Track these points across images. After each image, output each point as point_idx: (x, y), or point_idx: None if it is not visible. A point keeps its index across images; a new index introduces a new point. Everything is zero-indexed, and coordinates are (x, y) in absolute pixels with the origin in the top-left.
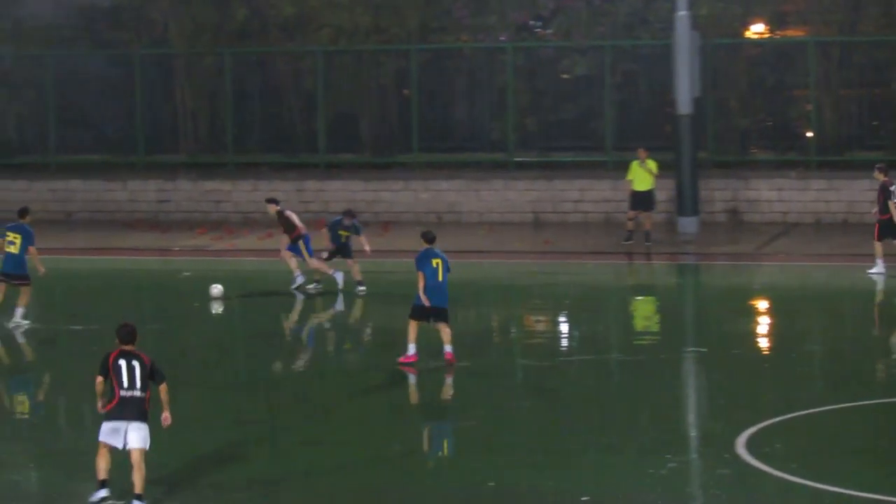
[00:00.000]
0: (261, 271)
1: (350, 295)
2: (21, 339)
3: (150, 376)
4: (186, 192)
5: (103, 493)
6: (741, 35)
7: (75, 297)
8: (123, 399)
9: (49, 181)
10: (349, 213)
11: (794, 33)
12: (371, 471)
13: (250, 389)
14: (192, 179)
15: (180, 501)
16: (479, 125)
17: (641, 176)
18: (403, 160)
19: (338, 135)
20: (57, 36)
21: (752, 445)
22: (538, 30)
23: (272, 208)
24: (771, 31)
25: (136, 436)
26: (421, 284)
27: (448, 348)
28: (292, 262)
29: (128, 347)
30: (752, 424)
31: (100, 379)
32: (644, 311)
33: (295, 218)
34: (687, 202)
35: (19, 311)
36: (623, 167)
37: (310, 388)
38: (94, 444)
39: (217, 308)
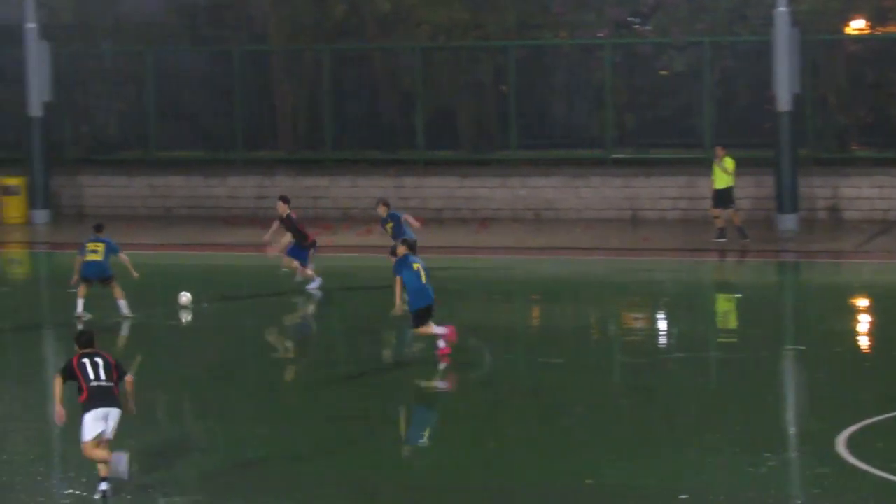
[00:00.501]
0: (359, 267)
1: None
2: (123, 333)
3: (116, 371)
4: (285, 189)
5: (123, 461)
6: (841, 31)
7: (173, 293)
8: (92, 389)
9: (149, 177)
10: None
11: (895, 29)
12: (468, 468)
13: (348, 385)
14: (291, 175)
15: (284, 498)
16: (577, 122)
17: (718, 174)
18: (501, 157)
19: (436, 131)
20: (157, 33)
21: (852, 444)
22: (636, 26)
23: (282, 207)
24: (872, 27)
25: (113, 424)
26: (398, 289)
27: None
28: (294, 263)
29: (88, 350)
30: (853, 423)
31: (59, 379)
32: (742, 309)
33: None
34: (786, 199)
35: (122, 303)
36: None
37: (405, 384)
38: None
39: (186, 316)
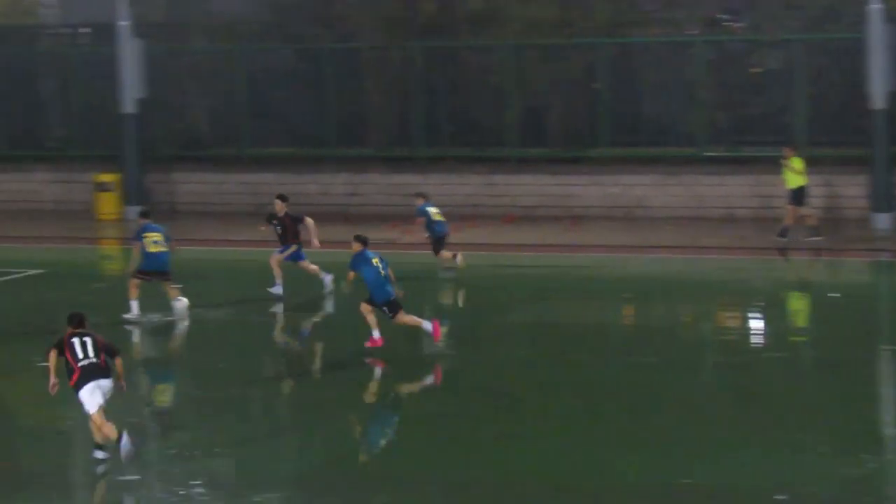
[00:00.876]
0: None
1: (539, 290)
2: (211, 329)
3: (105, 351)
4: (376, 186)
5: (125, 440)
6: None
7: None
8: (83, 367)
9: (241, 174)
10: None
11: None
12: (563, 467)
13: (444, 383)
14: (382, 172)
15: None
16: (669, 119)
17: (789, 174)
18: (593, 154)
19: (526, 128)
20: (248, 30)
21: None
22: (728, 23)
23: (280, 206)
24: None
25: (107, 396)
26: (351, 276)
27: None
28: (311, 267)
29: (79, 329)
30: None
31: (53, 352)
32: (836, 308)
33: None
34: (881, 198)
35: (180, 302)
36: (815, 162)
37: (498, 385)
38: (283, 429)
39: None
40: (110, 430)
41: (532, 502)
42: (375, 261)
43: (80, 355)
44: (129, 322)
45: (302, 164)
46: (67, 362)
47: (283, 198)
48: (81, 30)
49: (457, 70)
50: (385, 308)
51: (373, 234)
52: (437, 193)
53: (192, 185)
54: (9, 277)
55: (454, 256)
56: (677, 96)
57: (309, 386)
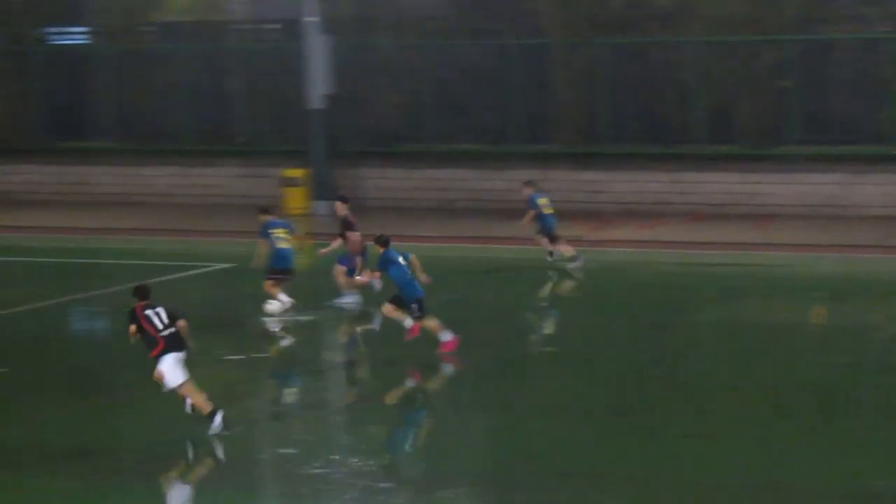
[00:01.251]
0: (637, 263)
1: (729, 290)
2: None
3: (175, 317)
4: (562, 183)
5: (218, 419)
6: None
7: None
8: (166, 338)
9: (428, 169)
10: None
11: None
12: (749, 466)
13: (633, 380)
14: (568, 169)
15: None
16: (860, 117)
17: None
18: (782, 152)
19: (714, 125)
20: (435, 26)
21: None
22: None
23: (340, 207)
24: None
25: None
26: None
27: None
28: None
29: (146, 301)
30: None
31: (133, 327)
32: None
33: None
34: None
35: (285, 298)
36: None
37: (685, 379)
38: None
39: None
40: (202, 399)
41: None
42: (402, 260)
43: (160, 326)
44: (271, 315)
45: (488, 160)
46: (146, 334)
47: (343, 199)
48: (269, 26)
49: (644, 66)
50: (415, 305)
51: (559, 231)
52: (623, 191)
53: (380, 180)
54: (199, 271)
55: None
56: (867, 93)
57: (488, 380)
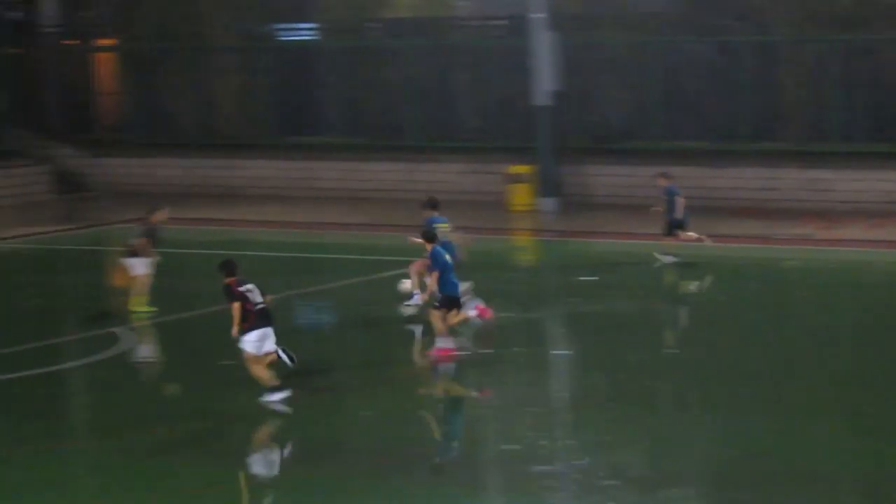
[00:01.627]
0: (867, 262)
1: None
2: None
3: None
4: (792, 181)
5: (279, 395)
6: None
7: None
8: (258, 312)
9: (653, 167)
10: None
11: None
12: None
13: (863, 379)
14: (797, 167)
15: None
16: None
17: None
18: None
19: None
20: (661, 23)
21: None
22: None
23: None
24: None
25: (273, 339)
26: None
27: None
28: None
29: (236, 277)
30: None
31: (236, 304)
32: None
33: None
34: None
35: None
36: None
37: None
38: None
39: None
40: (265, 373)
41: None
42: (447, 256)
43: (254, 300)
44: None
45: (714, 157)
46: (243, 308)
47: (432, 204)
48: (495, 22)
49: (873, 64)
50: (453, 301)
51: (787, 229)
52: (852, 190)
53: (605, 177)
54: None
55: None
56: None
57: (710, 383)
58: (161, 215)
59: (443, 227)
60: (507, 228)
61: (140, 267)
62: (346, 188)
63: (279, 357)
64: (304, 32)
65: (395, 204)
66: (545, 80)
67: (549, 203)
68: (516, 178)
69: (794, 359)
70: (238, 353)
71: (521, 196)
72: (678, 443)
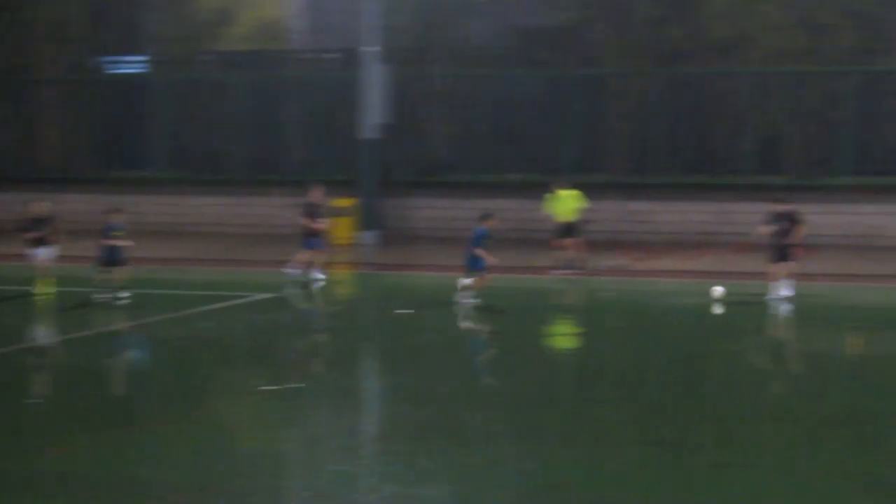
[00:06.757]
0: (679, 293)
1: (772, 318)
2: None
3: None
4: (610, 213)
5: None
6: None
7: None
8: None
9: (476, 200)
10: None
11: None
12: (783, 495)
13: (666, 409)
14: (617, 199)
15: None
16: None
17: None
18: (828, 182)
19: (762, 156)
20: (492, 57)
21: None
22: None
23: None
24: None
25: None
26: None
27: None
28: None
29: None
30: None
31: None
32: None
33: None
34: None
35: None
36: None
37: (722, 410)
38: None
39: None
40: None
41: None
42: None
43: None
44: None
45: (538, 190)
46: None
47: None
48: (328, 55)
49: (697, 97)
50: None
51: (605, 260)
52: (670, 221)
53: (429, 210)
54: (240, 301)
55: None
56: None
57: (519, 408)
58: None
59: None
60: (328, 262)
61: None
62: (169, 222)
63: None
64: (134, 65)
65: (218, 237)
66: (373, 113)
67: (369, 236)
68: (339, 212)
69: (601, 388)
70: None
71: (342, 229)
72: (482, 475)
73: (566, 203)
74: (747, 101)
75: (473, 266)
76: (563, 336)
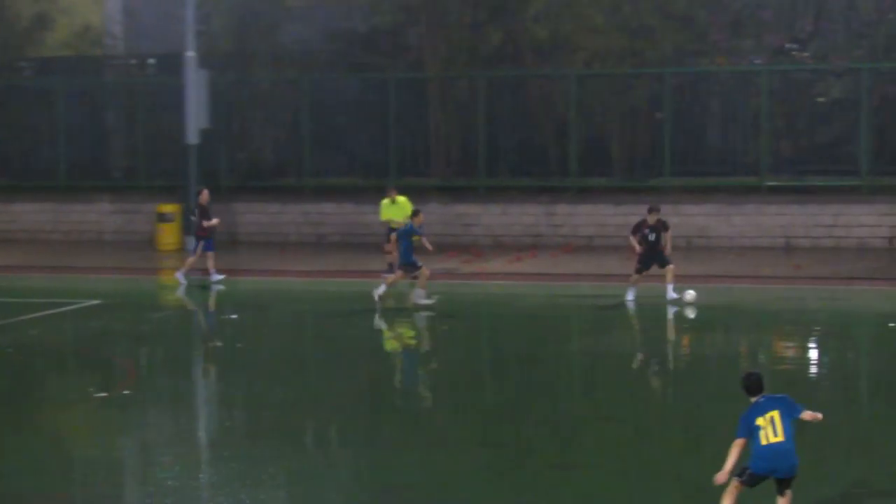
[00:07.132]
0: (511, 295)
1: (601, 321)
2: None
3: None
4: (436, 216)
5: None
6: None
7: (329, 318)
8: None
9: (302, 204)
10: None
11: None
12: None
13: (500, 412)
14: (443, 203)
15: None
16: (732, 149)
17: None
18: (655, 184)
19: (589, 158)
20: (313, 60)
21: None
22: (794, 53)
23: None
24: None
25: None
26: None
27: None
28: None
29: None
30: None
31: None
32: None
33: None
34: None
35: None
36: (880, 192)
37: (555, 412)
38: None
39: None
40: None
41: None
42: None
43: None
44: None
45: (364, 193)
46: None
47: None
48: (148, 61)
49: (521, 100)
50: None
51: (432, 264)
52: (498, 223)
53: (254, 215)
54: (66, 308)
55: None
56: (741, 126)
57: (354, 413)
58: None
59: None
60: (153, 268)
61: None
62: None
63: None
64: None
65: (42, 244)
66: (195, 119)
67: (194, 242)
68: (164, 218)
69: (437, 392)
70: None
71: (168, 235)
72: (317, 479)
73: (404, 209)
74: (570, 104)
75: (406, 261)
76: (396, 339)
